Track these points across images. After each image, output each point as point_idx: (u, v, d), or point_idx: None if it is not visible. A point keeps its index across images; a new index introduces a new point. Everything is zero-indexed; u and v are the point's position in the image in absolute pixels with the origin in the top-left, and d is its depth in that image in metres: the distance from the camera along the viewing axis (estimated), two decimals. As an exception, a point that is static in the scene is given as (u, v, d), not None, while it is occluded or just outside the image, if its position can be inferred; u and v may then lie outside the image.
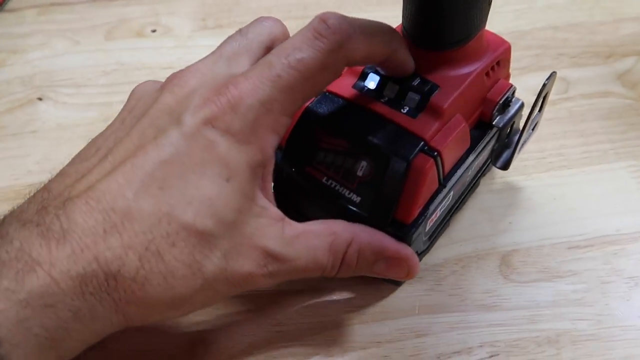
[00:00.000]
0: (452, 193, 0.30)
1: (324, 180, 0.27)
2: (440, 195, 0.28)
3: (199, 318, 0.30)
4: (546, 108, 0.40)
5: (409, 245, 0.27)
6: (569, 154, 0.38)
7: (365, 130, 0.26)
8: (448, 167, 0.27)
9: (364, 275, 0.27)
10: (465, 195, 0.34)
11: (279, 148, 0.27)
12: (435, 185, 0.27)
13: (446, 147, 0.26)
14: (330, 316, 0.30)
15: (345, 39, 0.22)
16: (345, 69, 0.27)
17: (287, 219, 0.24)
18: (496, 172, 0.37)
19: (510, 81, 0.32)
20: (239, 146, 0.22)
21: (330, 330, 0.30)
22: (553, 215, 0.34)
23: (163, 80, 0.26)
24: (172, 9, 0.51)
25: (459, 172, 0.29)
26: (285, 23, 0.28)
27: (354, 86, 0.28)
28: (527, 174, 0.37)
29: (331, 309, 0.31)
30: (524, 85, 0.41)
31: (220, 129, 0.21)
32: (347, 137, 0.26)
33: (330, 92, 0.28)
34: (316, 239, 0.24)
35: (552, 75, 0.29)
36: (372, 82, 0.27)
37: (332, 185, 0.27)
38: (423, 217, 0.27)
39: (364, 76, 0.28)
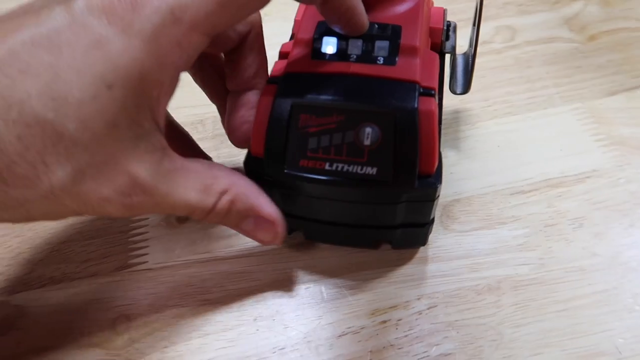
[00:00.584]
0: (441, 129, 0.28)
1: (327, 167, 0.24)
2: (441, 133, 0.26)
3: (119, 293, 0.29)
4: (492, 57, 0.39)
5: (438, 196, 0.25)
6: (514, 100, 0.36)
7: (355, 95, 0.23)
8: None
9: (229, 228, 0.25)
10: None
11: (255, 158, 0.25)
12: (438, 124, 0.25)
13: (436, 82, 0.24)
14: (260, 280, 0.29)
15: None
16: (290, 43, 0.26)
17: (169, 150, 0.21)
18: (438, 124, 0.35)
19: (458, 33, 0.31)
20: (134, 51, 0.18)
21: (259, 295, 0.28)
22: (497, 163, 0.33)
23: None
24: None
25: (441, 106, 0.27)
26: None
27: (312, 57, 0.25)
28: (471, 123, 0.35)
29: (260, 274, 0.29)
30: (469, 36, 0.40)
31: (116, 26, 0.18)
32: (338, 111, 0.23)
33: (293, 72, 0.24)
34: (193, 179, 0.22)
35: None
36: (329, 46, 0.25)
37: (339, 169, 0.24)
38: (441, 161, 0.25)
39: (317, 43, 0.25)
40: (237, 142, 0.26)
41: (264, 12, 0.24)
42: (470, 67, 0.31)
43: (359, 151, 0.23)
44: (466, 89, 0.31)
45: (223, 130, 0.36)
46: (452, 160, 0.33)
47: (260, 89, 0.26)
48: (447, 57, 0.31)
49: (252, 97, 0.26)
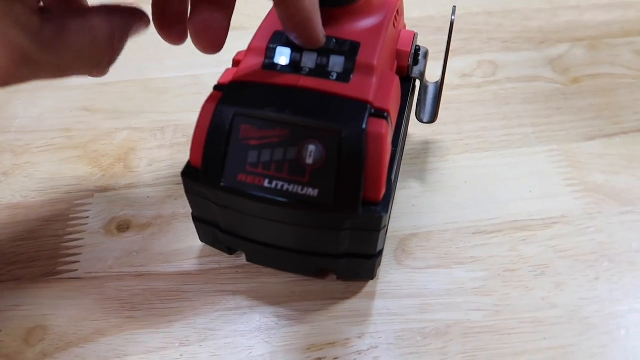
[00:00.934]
0: (397, 157, 0.26)
1: (265, 184, 0.22)
2: (395, 161, 0.24)
3: (41, 301, 0.27)
4: (470, 90, 0.37)
5: (384, 226, 0.23)
6: (488, 136, 0.35)
7: (301, 110, 0.22)
8: (394, 126, 0.24)
9: None
10: (400, 161, 0.30)
11: (194, 168, 0.23)
12: (390, 149, 0.23)
13: (390, 104, 0.23)
14: (193, 301, 0.27)
15: None
16: (244, 51, 0.24)
17: (45, 13, 0.18)
18: (406, 152, 0.33)
19: (436, 64, 0.30)
20: None
21: (189, 317, 0.26)
22: (462, 199, 0.31)
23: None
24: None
25: (401, 132, 0.25)
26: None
27: (263, 67, 0.23)
28: (441, 156, 0.33)
29: (194, 294, 0.27)
30: (450, 67, 0.39)
31: None
32: (282, 124, 0.22)
33: (241, 80, 0.23)
34: (78, 37, 0.19)
35: (454, 8, 0.27)
36: (282, 56, 0.23)
37: (279, 187, 0.22)
38: (390, 189, 0.23)
39: (270, 53, 0.23)
40: (204, 48, 0.23)
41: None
42: (437, 94, 0.29)
43: (301, 170, 0.22)
44: (433, 118, 0.30)
45: (180, 140, 0.35)
46: (415, 192, 0.31)
47: None
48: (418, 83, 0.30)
49: None
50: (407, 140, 0.34)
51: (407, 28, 0.29)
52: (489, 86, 0.38)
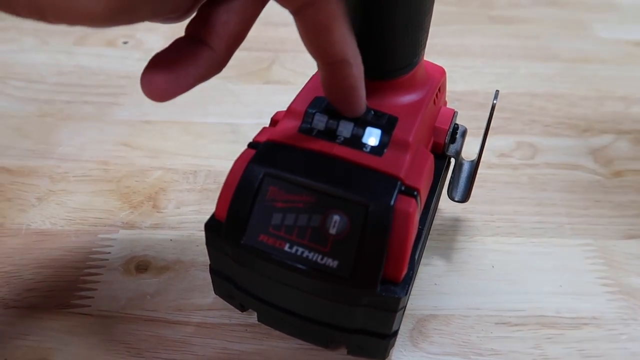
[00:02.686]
0: (423, 235, 0.25)
1: (285, 248, 0.22)
2: (421, 241, 0.23)
3: (49, 334, 0.26)
4: (507, 171, 0.37)
5: (402, 308, 0.22)
6: (521, 221, 0.34)
7: (330, 178, 0.21)
8: (423, 205, 0.24)
9: None
10: (427, 238, 0.29)
11: (217, 221, 0.23)
12: (417, 229, 0.23)
13: (422, 183, 0.22)
14: (197, 355, 0.26)
15: None
16: (283, 112, 0.24)
17: None
18: (434, 227, 0.33)
19: (474, 141, 0.29)
20: None
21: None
22: (487, 284, 0.30)
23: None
24: (152, 26, 0.51)
25: (430, 210, 0.25)
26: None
27: (299, 130, 0.23)
28: (470, 236, 0.33)
29: (200, 348, 0.26)
30: (488, 145, 0.38)
31: None
32: (310, 191, 0.21)
33: (275, 142, 0.23)
34: None
35: (497, 93, 0.27)
36: (320, 122, 0.23)
37: (299, 253, 0.21)
38: (412, 270, 0.22)
39: (308, 117, 0.23)
40: (146, 93, 0.20)
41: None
42: (472, 174, 0.29)
43: (323, 239, 0.21)
44: (465, 197, 0.29)
45: (211, 186, 0.35)
46: (439, 270, 0.30)
47: (210, 61, 0.21)
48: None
49: (194, 52, 0.20)
50: (436, 215, 0.33)
51: (450, 101, 0.30)
52: (526, 169, 0.37)
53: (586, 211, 0.34)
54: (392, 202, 0.21)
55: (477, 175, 0.35)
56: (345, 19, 0.19)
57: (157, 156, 0.37)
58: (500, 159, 0.38)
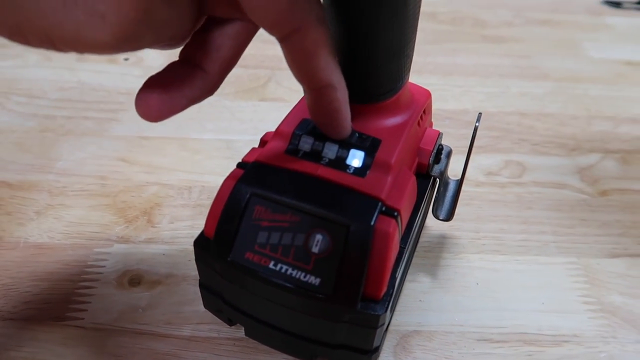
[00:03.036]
0: (407, 254, 0.26)
1: (270, 265, 0.22)
2: (402, 259, 0.24)
3: (43, 346, 0.27)
4: (494, 189, 0.38)
5: (382, 324, 0.23)
6: (506, 239, 0.34)
7: (314, 198, 0.22)
8: (404, 225, 0.25)
9: None
10: (412, 255, 0.30)
11: (206, 238, 0.24)
12: (397, 248, 0.24)
13: (403, 204, 0.23)
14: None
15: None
16: (272, 133, 0.25)
17: None
18: (420, 244, 0.34)
19: (462, 157, 0.30)
20: None
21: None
22: (471, 301, 0.30)
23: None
24: (152, 43, 0.52)
25: (413, 229, 0.26)
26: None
27: (286, 151, 0.24)
28: (455, 253, 0.33)
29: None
30: (476, 164, 0.40)
31: None
32: (294, 211, 0.22)
33: (262, 162, 0.24)
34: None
35: (480, 115, 0.28)
36: (306, 144, 0.24)
37: (283, 271, 0.22)
38: (392, 288, 0.23)
39: (295, 139, 0.24)
40: (140, 113, 0.21)
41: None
42: (455, 193, 0.30)
43: (306, 257, 0.22)
44: (449, 216, 0.30)
45: (205, 201, 0.36)
46: (424, 287, 0.31)
47: (203, 83, 0.22)
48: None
49: (186, 76, 0.21)
50: (423, 232, 0.34)
51: (441, 119, 0.30)
52: (513, 187, 0.38)
53: (571, 230, 0.35)
54: (372, 223, 0.22)
55: (465, 193, 0.36)
56: (330, 46, 0.20)
57: (154, 172, 0.38)
58: (488, 177, 0.39)
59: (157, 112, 0.20)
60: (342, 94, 0.22)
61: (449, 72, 0.51)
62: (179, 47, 0.22)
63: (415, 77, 0.52)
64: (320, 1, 0.20)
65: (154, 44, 0.20)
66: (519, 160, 0.41)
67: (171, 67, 0.22)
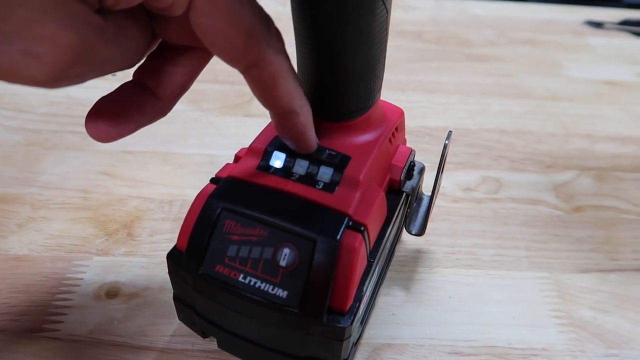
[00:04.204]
0: (377, 268, 0.27)
1: (240, 278, 0.23)
2: (370, 273, 0.25)
3: (19, 357, 0.27)
4: (471, 205, 0.38)
5: (348, 337, 0.23)
6: (480, 254, 0.35)
7: (282, 213, 0.23)
8: (372, 239, 0.25)
9: None
10: (386, 268, 0.31)
11: (179, 251, 0.24)
12: (365, 263, 0.24)
13: (370, 219, 0.24)
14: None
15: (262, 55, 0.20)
16: (246, 149, 0.26)
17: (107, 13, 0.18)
18: (396, 258, 0.34)
19: (444, 174, 0.31)
20: None
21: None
22: (443, 315, 0.31)
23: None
24: (141, 59, 0.53)
25: (382, 244, 0.26)
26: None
27: (258, 167, 0.25)
28: (430, 267, 0.34)
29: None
30: (455, 180, 0.40)
31: None
32: (263, 225, 0.23)
33: (234, 178, 0.25)
34: (133, 37, 0.18)
35: (450, 133, 0.28)
36: (277, 160, 0.25)
37: (252, 284, 0.23)
38: (359, 301, 0.23)
39: (267, 155, 0.25)
40: (90, 134, 0.21)
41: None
42: (427, 209, 0.30)
43: (274, 270, 0.23)
44: (421, 231, 0.31)
45: (185, 215, 0.36)
46: (398, 300, 0.32)
47: (154, 108, 0.22)
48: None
49: (140, 99, 0.21)
50: (399, 246, 0.35)
51: (422, 136, 0.31)
52: (489, 203, 0.39)
53: (544, 245, 0.36)
54: (338, 237, 0.22)
55: (442, 209, 0.37)
56: (290, 74, 0.21)
57: (136, 185, 0.39)
58: (465, 193, 0.40)
59: (105, 136, 0.21)
60: (304, 118, 0.23)
61: (432, 90, 0.53)
62: (132, 68, 0.21)
63: (399, 94, 0.53)
64: (278, 33, 0.20)
65: (100, 76, 0.19)
66: (496, 176, 0.42)
67: (123, 88, 0.22)
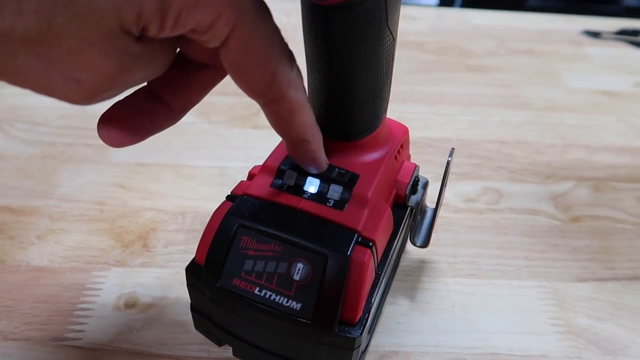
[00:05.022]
0: (384, 279, 0.28)
1: (255, 291, 0.24)
2: (378, 285, 0.26)
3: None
4: (472, 215, 0.40)
5: (358, 346, 0.25)
6: (482, 264, 0.36)
7: (296, 230, 0.24)
8: (380, 253, 0.27)
9: None
10: (392, 279, 0.32)
11: (197, 265, 0.26)
12: (373, 276, 0.26)
13: (378, 234, 0.25)
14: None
15: (282, 92, 0.21)
16: (259, 167, 0.27)
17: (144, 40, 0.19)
18: (401, 268, 0.36)
19: (447, 186, 0.33)
20: None
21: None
22: (447, 323, 0.32)
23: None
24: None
25: (389, 256, 0.28)
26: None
27: (272, 185, 0.26)
28: (433, 277, 0.35)
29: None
30: (457, 191, 0.42)
31: None
32: (277, 241, 0.24)
33: (250, 195, 0.26)
34: (161, 61, 0.19)
35: (452, 150, 0.30)
36: (290, 179, 0.26)
37: (267, 296, 0.24)
38: (368, 312, 0.25)
39: (280, 174, 0.26)
40: (102, 139, 0.22)
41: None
42: (431, 222, 0.32)
43: (288, 284, 0.24)
44: (425, 243, 0.32)
45: (198, 227, 0.38)
46: (404, 309, 0.33)
47: (166, 118, 0.23)
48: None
49: (149, 107, 0.22)
50: (403, 257, 0.36)
51: (424, 147, 0.32)
52: (490, 214, 0.40)
53: (543, 255, 0.37)
54: (349, 252, 0.24)
55: (444, 219, 0.38)
56: (306, 107, 0.22)
57: (149, 197, 0.40)
58: (466, 204, 0.41)
59: (118, 142, 0.21)
60: (315, 145, 0.24)
61: (433, 101, 0.54)
62: None
63: (402, 105, 0.55)
64: (299, 71, 0.22)
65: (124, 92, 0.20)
66: (497, 187, 0.43)
67: (136, 95, 0.22)
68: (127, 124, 0.22)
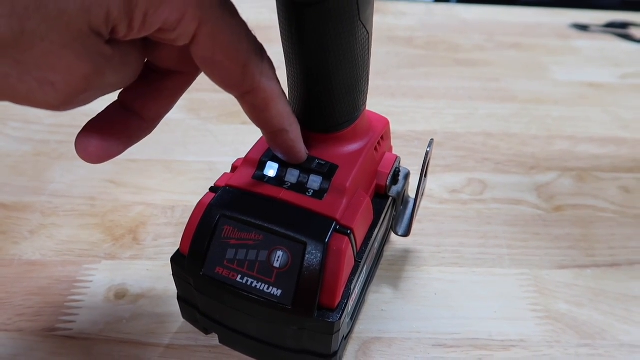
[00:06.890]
0: (365, 267, 0.29)
1: (237, 278, 0.25)
2: (357, 272, 0.27)
3: (34, 354, 0.30)
4: (456, 206, 0.41)
5: (337, 331, 0.26)
6: (464, 252, 0.37)
7: (276, 219, 0.25)
8: (359, 241, 0.28)
9: None
10: (375, 268, 0.33)
11: (182, 255, 0.27)
12: (352, 263, 0.27)
13: (356, 223, 0.26)
14: (167, 374, 0.29)
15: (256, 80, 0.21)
16: (242, 159, 0.28)
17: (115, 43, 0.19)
18: (385, 258, 0.36)
19: (429, 177, 0.33)
20: None
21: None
22: (429, 310, 0.33)
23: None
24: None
25: (369, 245, 0.29)
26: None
27: (253, 177, 0.27)
28: (417, 266, 0.36)
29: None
30: (442, 182, 0.43)
31: None
32: (258, 230, 0.25)
33: (232, 187, 0.27)
34: (135, 65, 0.20)
35: (431, 141, 0.30)
36: (271, 170, 0.27)
37: (249, 283, 0.25)
38: (347, 298, 0.26)
39: (262, 165, 0.27)
40: (80, 156, 0.22)
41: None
42: (412, 212, 0.32)
43: (269, 271, 0.25)
44: (407, 232, 0.33)
45: (186, 220, 0.38)
46: (387, 297, 0.34)
47: (139, 129, 0.23)
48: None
49: (126, 121, 0.23)
50: (388, 246, 0.37)
51: (411, 140, 0.32)
52: (474, 204, 0.41)
53: (525, 243, 0.38)
54: (326, 240, 0.25)
55: (429, 210, 0.39)
56: (281, 97, 0.23)
57: (140, 192, 0.41)
58: (451, 195, 0.42)
59: (95, 158, 0.22)
60: (293, 134, 0.25)
61: (421, 95, 0.55)
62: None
63: (390, 99, 0.55)
64: (270, 61, 0.22)
65: (101, 96, 0.21)
66: (481, 178, 0.44)
67: (110, 110, 0.23)
68: (103, 141, 0.22)
